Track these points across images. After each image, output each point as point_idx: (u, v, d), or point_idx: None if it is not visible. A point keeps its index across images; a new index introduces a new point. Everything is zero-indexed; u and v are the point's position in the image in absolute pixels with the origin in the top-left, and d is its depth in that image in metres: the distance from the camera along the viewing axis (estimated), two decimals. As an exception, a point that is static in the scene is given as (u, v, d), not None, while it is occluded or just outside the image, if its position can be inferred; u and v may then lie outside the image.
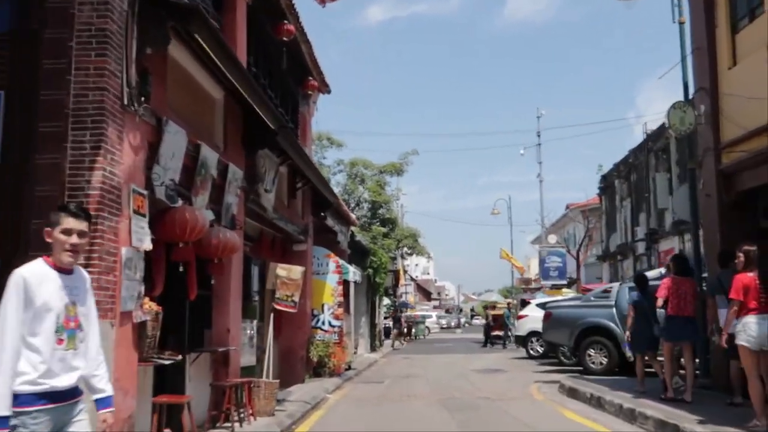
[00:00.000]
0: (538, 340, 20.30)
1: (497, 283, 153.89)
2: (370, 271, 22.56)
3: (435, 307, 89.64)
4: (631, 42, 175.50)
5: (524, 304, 30.77)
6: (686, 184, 11.60)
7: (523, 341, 20.70)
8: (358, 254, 20.66)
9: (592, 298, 15.05)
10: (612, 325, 14.23)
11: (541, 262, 25.66)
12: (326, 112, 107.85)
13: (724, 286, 8.82)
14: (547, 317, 15.30)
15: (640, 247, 31.13)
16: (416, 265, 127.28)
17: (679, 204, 11.59)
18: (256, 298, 10.22)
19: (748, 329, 6.75)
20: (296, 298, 9.78)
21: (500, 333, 31.33)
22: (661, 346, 10.31)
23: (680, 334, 9.74)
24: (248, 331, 9.16)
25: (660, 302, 10.04)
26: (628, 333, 10.99)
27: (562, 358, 17.19)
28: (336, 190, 26.19)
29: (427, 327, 46.83)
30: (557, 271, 26.05)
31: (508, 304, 37.19)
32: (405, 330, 38.60)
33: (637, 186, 33.97)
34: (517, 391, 12.03)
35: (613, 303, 14.42)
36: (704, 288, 12.09)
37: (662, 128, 30.32)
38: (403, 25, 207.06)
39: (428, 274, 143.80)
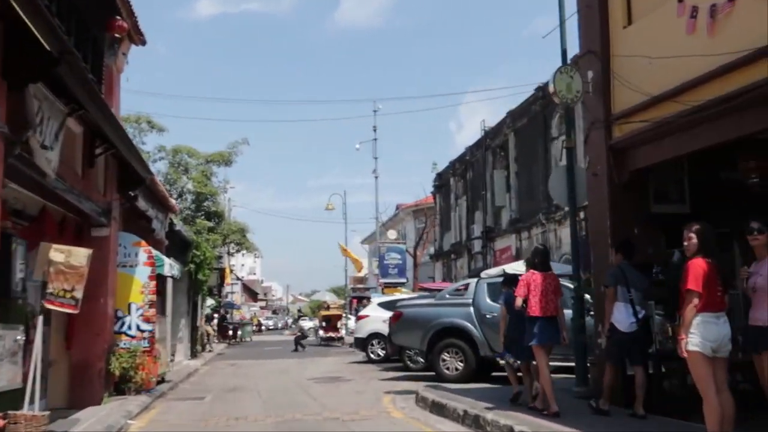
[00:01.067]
0: (379, 343, 18.59)
1: (325, 284, 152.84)
2: (192, 266, 19.75)
3: (262, 308, 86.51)
4: (457, 53, 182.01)
5: (360, 303, 29.16)
6: (563, 164, 10.21)
7: (362, 344, 18.88)
8: (177, 246, 17.82)
9: (447, 296, 13.47)
10: (469, 326, 12.72)
11: (380, 258, 24.11)
12: (145, 99, 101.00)
13: (627, 279, 7.72)
14: (397, 317, 13.53)
15: (477, 246, 30.60)
16: (242, 265, 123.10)
17: (556, 187, 10.18)
18: (26, 294, 7.39)
19: (704, 331, 5.16)
20: (79, 294, 7.14)
21: (335, 335, 29.50)
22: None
23: (547, 335, 8.49)
24: (4, 342, 6.39)
25: (519, 302, 8.66)
26: (502, 338, 9.60)
27: (409, 362, 15.54)
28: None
29: (257, 327, 43.96)
30: (397, 269, 24.60)
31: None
32: (230, 332, 35.68)
33: (474, 184, 33.60)
34: (370, 406, 10.06)
35: (470, 301, 12.93)
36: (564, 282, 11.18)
37: (501, 125, 30.04)
38: (234, 21, 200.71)
39: (255, 274, 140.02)
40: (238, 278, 50.81)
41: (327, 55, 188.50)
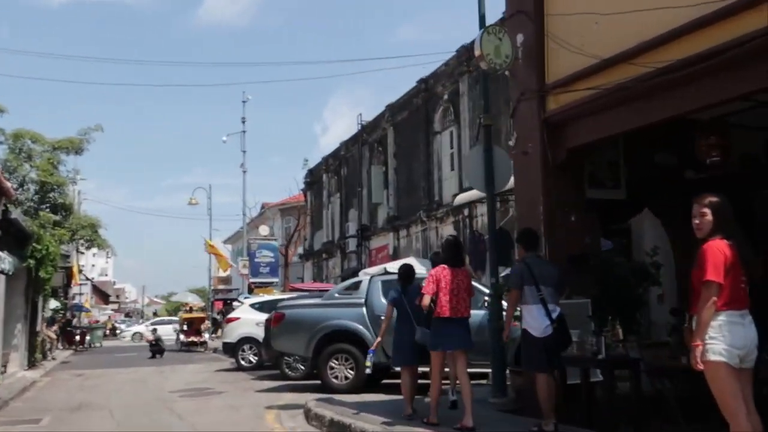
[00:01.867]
0: (251, 348, 16.75)
1: (183, 285, 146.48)
2: (32, 262, 16.96)
3: (114, 311, 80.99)
4: (322, 56, 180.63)
5: (227, 305, 27.02)
6: (480, 145, 9.01)
7: (232, 349, 16.96)
8: (13, 238, 15.13)
9: (337, 296, 11.93)
10: (362, 329, 11.26)
11: (251, 256, 22.17)
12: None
13: (535, 276, 6.76)
14: (278, 320, 11.83)
15: (351, 245, 29.28)
16: (93, 265, 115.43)
17: (472, 170, 8.93)
18: None
19: (729, 334, 3.96)
20: None
21: (197, 339, 27.13)
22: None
23: (454, 341, 7.47)
24: None
25: (426, 300, 7.49)
26: (378, 339, 8.86)
27: (287, 370, 13.89)
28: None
29: (110, 331, 40.25)
30: (268, 267, 22.69)
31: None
32: (77, 338, 32.22)
33: (349, 180, 32.28)
34: (252, 425, 8.37)
35: (362, 301, 11.48)
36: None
37: (379, 119, 28.90)
38: (89, 10, 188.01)
39: (107, 275, 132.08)
40: (87, 278, 46.62)
41: (190, 52, 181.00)
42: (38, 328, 18.60)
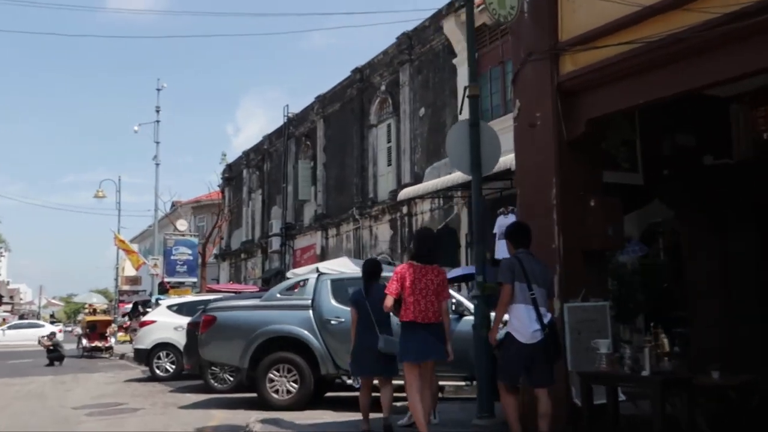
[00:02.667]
0: (168, 356, 14.85)
1: (84, 287, 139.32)
2: None
3: (7, 312, 75.43)
4: (232, 57, 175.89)
5: (135, 308, 24.74)
6: (465, 120, 7.66)
7: (146, 356, 15.00)
8: None
9: (278, 296, 10.27)
10: (307, 335, 9.68)
11: (167, 253, 20.02)
12: None
13: (527, 273, 5.94)
14: (208, 324, 10.08)
15: (275, 244, 27.51)
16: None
17: (455, 150, 7.55)
18: None
19: None
20: None
21: (102, 344, 24.66)
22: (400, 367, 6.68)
23: (425, 349, 6.40)
24: None
25: (390, 301, 6.48)
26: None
27: (213, 381, 12.17)
28: None
29: None
30: (186, 266, 20.56)
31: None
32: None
33: (272, 176, 30.44)
34: (184, 457, 6.71)
35: (308, 303, 9.91)
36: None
37: (307, 111, 27.25)
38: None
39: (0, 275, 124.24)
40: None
41: (95, 48, 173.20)
42: None
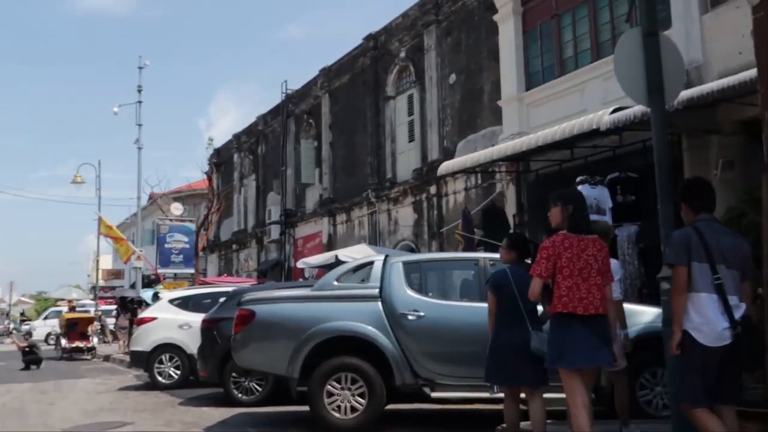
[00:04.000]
0: (172, 360, 12.45)
1: (54, 284, 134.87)
2: None
3: (-25, 311, 71.92)
4: (205, 51, 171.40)
5: (123, 304, 22.20)
6: (637, 29, 5.39)
7: (145, 360, 12.57)
8: None
9: (335, 284, 7.91)
10: (378, 334, 7.41)
11: (160, 241, 17.46)
12: None
13: (708, 247, 4.38)
14: (245, 320, 7.70)
15: (274, 233, 25.08)
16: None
17: (626, 69, 5.29)
18: None
19: None
20: None
21: (84, 345, 22.07)
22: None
23: (587, 354, 4.73)
24: None
25: (538, 287, 4.85)
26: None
27: (236, 392, 9.84)
28: None
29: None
30: (182, 255, 17.95)
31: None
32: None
33: (268, 159, 27.98)
34: None
35: (376, 292, 7.62)
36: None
37: (310, 86, 24.81)
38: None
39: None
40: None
41: (64, 40, 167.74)
42: None
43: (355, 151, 21.26)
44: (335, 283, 7.88)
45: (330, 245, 21.79)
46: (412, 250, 17.92)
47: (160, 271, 17.86)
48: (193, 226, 18.53)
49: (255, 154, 29.05)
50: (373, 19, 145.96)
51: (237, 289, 11.10)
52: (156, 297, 18.94)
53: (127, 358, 19.58)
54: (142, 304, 21.23)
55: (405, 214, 18.40)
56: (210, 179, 34.56)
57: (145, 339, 12.61)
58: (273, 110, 27.25)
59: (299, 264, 17.95)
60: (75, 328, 22.51)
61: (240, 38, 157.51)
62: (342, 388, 7.35)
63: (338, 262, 16.35)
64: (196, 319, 12.36)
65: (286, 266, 24.67)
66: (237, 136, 30.97)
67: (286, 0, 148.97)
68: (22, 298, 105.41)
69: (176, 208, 18.04)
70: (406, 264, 7.83)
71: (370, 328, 7.43)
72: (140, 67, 33.21)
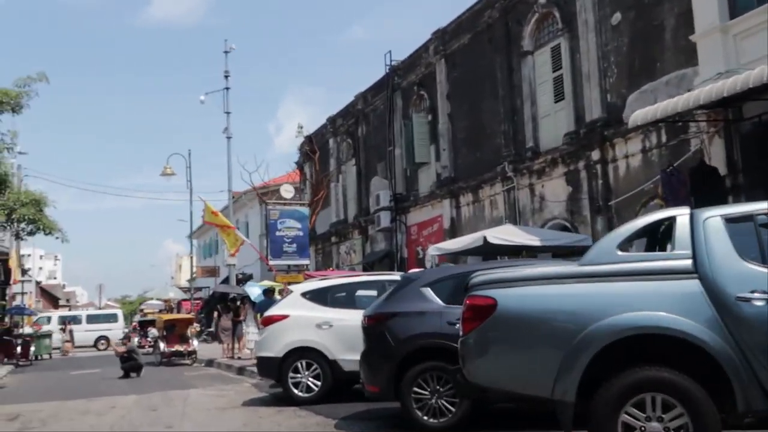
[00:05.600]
0: (310, 367, 9.89)
1: (137, 288, 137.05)
2: None
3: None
4: (274, 56, 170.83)
5: (225, 301, 19.98)
6: None
7: (276, 368, 10.03)
8: None
9: (619, 254, 5.04)
10: (702, 331, 4.55)
11: (270, 228, 15.02)
12: None
13: None
14: (482, 312, 4.96)
15: (383, 220, 22.45)
16: (40, 268, 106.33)
17: None
18: None
19: None
20: None
21: (184, 349, 20.01)
22: None
23: None
24: None
25: None
26: None
27: (422, 413, 7.13)
28: None
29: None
30: (295, 244, 15.39)
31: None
32: (19, 349, 24.64)
33: (370, 141, 25.43)
34: None
35: (689, 265, 4.76)
36: None
37: (419, 54, 22.19)
38: (26, 6, 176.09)
39: (55, 278, 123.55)
40: (24, 272, 38.31)
41: (140, 51, 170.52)
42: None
43: (481, 121, 18.41)
44: (618, 253, 5.02)
45: (453, 231, 19.05)
46: (565, 230, 14.99)
47: (272, 262, 15.47)
48: (306, 211, 15.98)
49: (354, 136, 26.53)
50: (437, 14, 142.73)
51: (409, 275, 8.41)
52: (268, 293, 16.63)
53: (234, 362, 17.45)
54: (245, 301, 18.96)
55: (554, 187, 15.44)
56: (301, 169, 32.37)
57: (276, 342, 10.09)
58: (375, 86, 24.66)
59: (431, 251, 15.25)
60: (173, 330, 20.49)
61: (304, 42, 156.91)
62: (647, 419, 4.55)
63: (487, 245, 13.63)
64: (338, 315, 9.95)
65: (398, 257, 22.04)
66: (332, 120, 28.53)
67: (349, 1, 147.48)
68: (108, 302, 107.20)
69: (287, 191, 15.55)
70: (729, 220, 4.92)
71: (688, 321, 4.59)
72: (226, 52, 31.25)
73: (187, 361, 20.06)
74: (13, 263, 28.11)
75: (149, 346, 23.27)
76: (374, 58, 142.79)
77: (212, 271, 31.83)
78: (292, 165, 34.39)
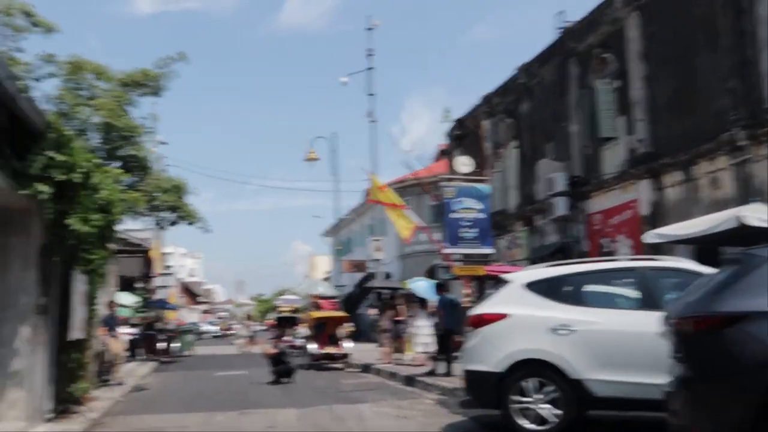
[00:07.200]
0: (543, 388, 7.07)
1: (270, 286, 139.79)
2: (45, 189, 7.69)
3: (205, 312, 73.90)
4: (397, 57, 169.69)
5: (352, 298, 17.59)
6: None
7: (495, 389, 7.26)
8: None
9: None
10: None
11: (446, 209, 12.38)
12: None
13: None
14: None
15: (560, 207, 19.28)
16: (181, 266, 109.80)
17: None
18: None
19: None
20: None
21: (335, 351, 17.81)
22: None
23: None
24: None
25: None
26: None
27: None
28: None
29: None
30: (476, 229, 12.58)
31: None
32: (162, 344, 23.46)
33: (535, 118, 22.34)
34: None
35: None
36: None
37: (600, 12, 18.92)
38: (174, 19, 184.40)
39: (195, 276, 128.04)
40: (166, 267, 37.93)
41: (269, 57, 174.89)
42: (77, 334, 9.50)
43: (694, 81, 14.93)
44: None
45: (654, 218, 15.68)
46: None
47: (448, 250, 12.79)
48: (487, 189, 13.11)
49: (515, 115, 23.48)
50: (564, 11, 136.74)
51: (757, 252, 5.40)
52: (440, 288, 14.03)
53: (398, 369, 14.98)
54: (404, 299, 16.49)
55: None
56: (449, 158, 29.68)
57: (492, 352, 7.34)
58: (541, 55, 21.54)
59: (649, 238, 12.05)
60: (323, 329, 18.33)
61: (426, 43, 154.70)
62: None
63: (744, 228, 10.33)
64: (584, 316, 7.12)
65: (577, 250, 18.81)
66: (487, 99, 25.59)
67: (472, 1, 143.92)
68: (244, 300, 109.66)
69: (464, 164, 12.79)
70: None
71: None
72: (369, 29, 29.37)
73: (339, 365, 17.85)
74: (155, 255, 27.20)
75: (291, 347, 21.38)
76: (496, 56, 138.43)
77: (360, 266, 29.77)
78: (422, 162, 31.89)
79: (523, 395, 7.11)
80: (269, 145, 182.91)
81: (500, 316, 7.42)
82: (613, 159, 17.97)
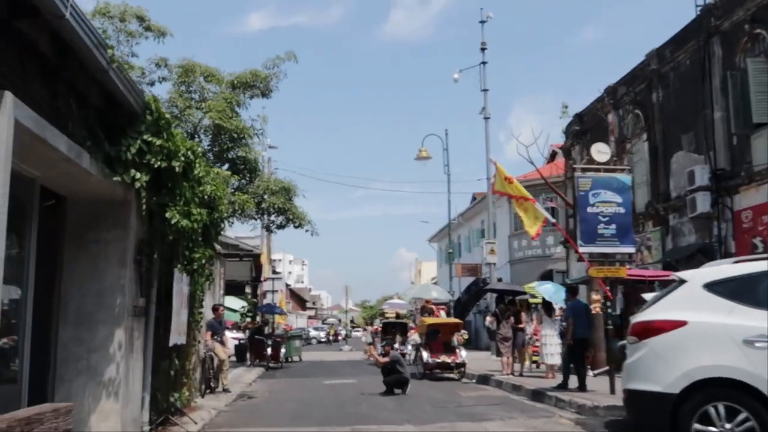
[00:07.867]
0: (734, 416, 5.55)
1: (376, 293, 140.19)
2: (143, 177, 6.87)
3: (311, 318, 74.41)
4: (502, 65, 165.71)
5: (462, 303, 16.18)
6: None
7: (669, 414, 5.80)
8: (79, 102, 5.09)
9: None
10: None
11: (581, 202, 11.02)
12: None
13: None
14: None
15: (700, 203, 17.26)
16: (289, 273, 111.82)
17: None
18: None
19: None
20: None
21: (451, 360, 16.54)
22: None
23: None
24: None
25: None
26: None
27: None
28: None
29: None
30: (614, 225, 11.09)
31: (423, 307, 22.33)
32: (270, 350, 22.91)
33: (669, 107, 20.30)
34: None
35: None
36: None
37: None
38: (284, 34, 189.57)
39: (302, 282, 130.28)
40: (274, 271, 37.80)
41: (374, 69, 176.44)
42: (178, 338, 8.73)
43: None
44: None
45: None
46: None
47: (583, 249, 11.34)
48: (628, 179, 11.56)
49: (645, 105, 21.46)
50: (673, 11, 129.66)
51: None
52: (572, 292, 12.54)
53: (523, 381, 13.56)
54: (527, 307, 15.04)
55: None
56: (568, 155, 27.84)
57: (665, 368, 5.89)
58: (676, 37, 19.50)
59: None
60: (436, 337, 17.09)
61: (534, 46, 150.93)
62: None
63: None
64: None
65: (721, 251, 16.72)
66: (611, 90, 23.62)
67: (580, 2, 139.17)
68: (350, 307, 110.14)
69: (600, 152, 11.44)
70: None
71: None
72: (482, 21, 28.05)
73: (454, 375, 16.57)
74: (264, 259, 26.86)
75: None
76: (606, 58, 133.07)
77: (474, 270, 28.42)
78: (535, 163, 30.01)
79: (708, 424, 5.62)
80: (375, 154, 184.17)
81: (677, 324, 5.96)
82: (765, 148, 15.82)
